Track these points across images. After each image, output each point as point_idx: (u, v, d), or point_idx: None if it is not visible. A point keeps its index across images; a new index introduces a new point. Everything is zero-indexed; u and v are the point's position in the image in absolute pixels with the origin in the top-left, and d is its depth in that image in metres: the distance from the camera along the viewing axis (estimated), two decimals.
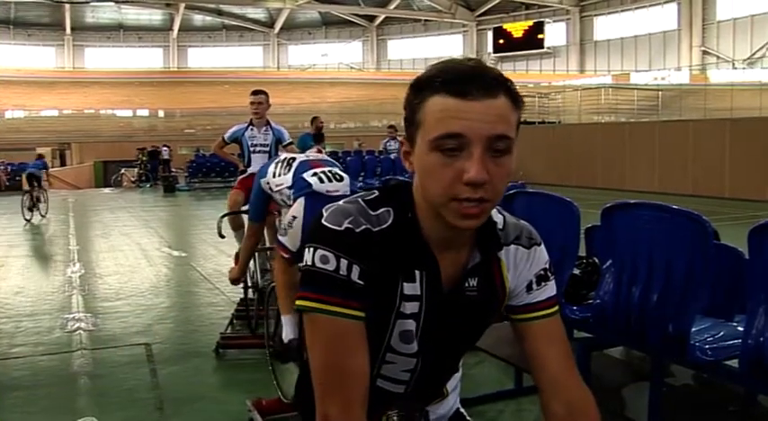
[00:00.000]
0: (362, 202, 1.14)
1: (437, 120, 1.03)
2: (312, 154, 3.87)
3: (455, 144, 1.02)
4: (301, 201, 3.17)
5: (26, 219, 13.40)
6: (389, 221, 1.13)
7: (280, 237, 3.08)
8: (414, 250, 1.14)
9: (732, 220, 10.88)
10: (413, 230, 1.13)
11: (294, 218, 3.05)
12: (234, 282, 4.46)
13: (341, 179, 3.31)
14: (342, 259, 1.09)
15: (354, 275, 1.10)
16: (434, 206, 1.08)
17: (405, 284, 1.15)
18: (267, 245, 4.86)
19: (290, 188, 3.38)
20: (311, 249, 1.11)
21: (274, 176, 3.52)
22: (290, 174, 3.39)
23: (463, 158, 1.02)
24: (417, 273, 1.15)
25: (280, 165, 3.53)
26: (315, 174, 3.29)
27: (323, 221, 1.12)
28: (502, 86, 1.04)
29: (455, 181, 1.03)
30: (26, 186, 14.20)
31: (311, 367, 1.13)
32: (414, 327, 1.18)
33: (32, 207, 13.70)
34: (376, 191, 1.18)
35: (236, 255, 4.70)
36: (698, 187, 15.53)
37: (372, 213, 1.13)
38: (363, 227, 1.11)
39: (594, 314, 2.97)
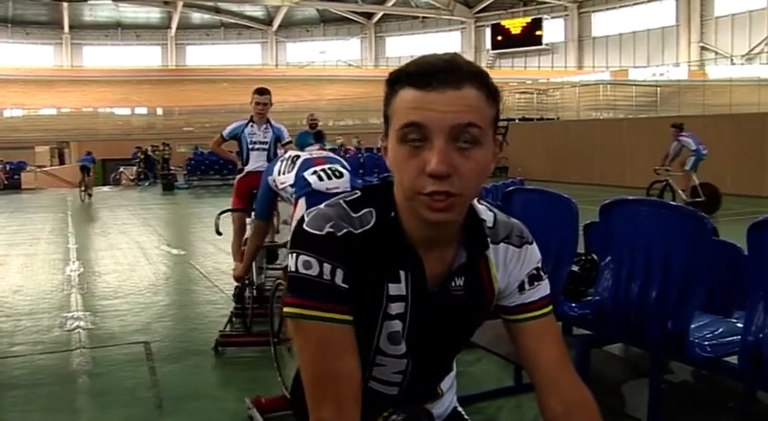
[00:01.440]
0: (344, 205, 1.13)
1: (401, 112, 1.03)
2: (315, 151, 3.88)
3: (418, 134, 1.01)
4: (302, 202, 3.18)
5: (81, 201, 17.69)
6: (372, 222, 1.12)
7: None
8: (397, 250, 1.12)
9: (731, 216, 10.90)
10: (396, 230, 1.12)
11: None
12: (238, 279, 4.49)
13: (340, 176, 3.32)
14: (324, 264, 1.08)
15: (338, 279, 1.09)
16: (407, 200, 1.06)
17: (390, 285, 1.14)
18: (266, 242, 4.86)
19: (292, 186, 3.39)
20: (294, 255, 1.10)
21: (279, 174, 3.53)
22: (293, 173, 3.41)
23: (427, 150, 1.01)
24: (402, 273, 1.14)
25: (285, 162, 3.55)
26: (314, 172, 3.30)
27: (304, 226, 1.10)
28: (470, 77, 1.02)
29: (420, 173, 1.02)
30: (80, 176, 18.91)
31: (302, 374, 1.12)
32: (400, 328, 1.17)
33: (85, 191, 18.17)
34: (358, 191, 1.17)
35: (241, 253, 4.70)
36: None
37: (354, 215, 1.12)
38: (345, 230, 1.10)
39: (593, 311, 2.97)
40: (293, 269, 1.10)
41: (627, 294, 2.78)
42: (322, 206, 1.14)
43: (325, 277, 1.08)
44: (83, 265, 7.95)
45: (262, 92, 5.89)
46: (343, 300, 1.09)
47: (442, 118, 1.00)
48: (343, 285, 1.09)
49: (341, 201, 1.14)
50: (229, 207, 5.81)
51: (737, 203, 12.61)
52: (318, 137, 8.73)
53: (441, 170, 0.99)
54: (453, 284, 1.17)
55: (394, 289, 1.14)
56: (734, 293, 2.98)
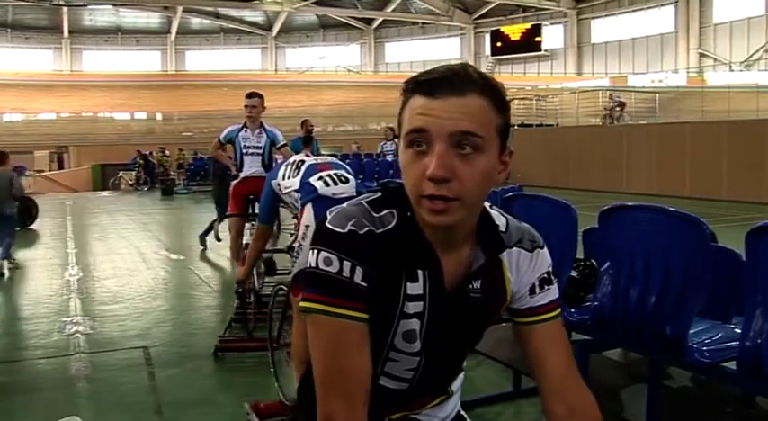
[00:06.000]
0: (366, 204, 1.16)
1: (409, 118, 1.08)
2: (320, 157, 3.90)
3: (421, 139, 1.06)
4: (309, 207, 3.20)
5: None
6: (393, 222, 1.14)
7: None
8: (417, 250, 1.15)
9: (729, 222, 10.91)
10: (416, 230, 1.14)
11: (307, 227, 3.07)
12: (240, 282, 4.50)
13: (346, 181, 3.34)
14: (345, 261, 1.10)
15: (357, 277, 1.11)
16: (412, 203, 1.10)
17: (408, 284, 1.16)
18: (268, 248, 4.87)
19: (297, 191, 3.41)
20: (315, 251, 1.12)
21: (284, 178, 3.55)
22: (299, 178, 3.43)
23: (429, 155, 1.05)
24: (420, 272, 1.16)
25: (290, 167, 3.57)
26: (320, 177, 3.32)
27: (327, 224, 1.13)
28: (475, 86, 1.06)
29: (422, 176, 1.06)
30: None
31: (313, 367, 1.14)
32: (417, 327, 1.19)
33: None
34: (379, 192, 1.20)
35: (243, 257, 4.71)
36: (695, 189, 15.54)
37: (376, 215, 1.14)
38: (366, 228, 1.12)
39: (592, 316, 2.97)
40: (313, 265, 1.12)
41: (626, 300, 2.79)
42: (345, 205, 1.17)
43: (344, 274, 1.10)
44: (82, 270, 7.94)
45: (251, 95, 5.97)
46: (360, 297, 1.11)
47: (442, 124, 1.04)
48: (361, 283, 1.11)
49: (363, 202, 1.17)
50: (227, 213, 5.83)
51: (734, 209, 12.62)
52: (307, 141, 8.73)
53: (439, 174, 1.03)
54: (471, 286, 1.20)
55: (412, 288, 1.16)
56: (732, 299, 2.98)
